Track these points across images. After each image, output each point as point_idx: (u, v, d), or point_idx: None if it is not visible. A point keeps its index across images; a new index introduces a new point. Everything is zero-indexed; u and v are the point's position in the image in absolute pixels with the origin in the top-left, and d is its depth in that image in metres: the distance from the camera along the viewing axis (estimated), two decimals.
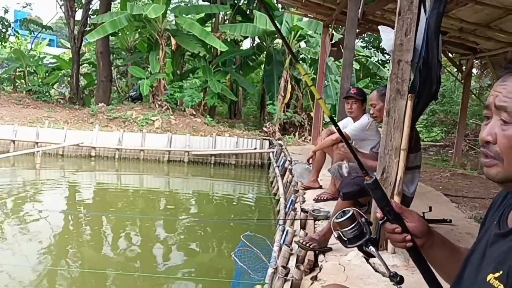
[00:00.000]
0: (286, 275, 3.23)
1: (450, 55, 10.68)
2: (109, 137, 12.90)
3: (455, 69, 11.35)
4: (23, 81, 18.78)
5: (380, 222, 1.17)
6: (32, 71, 18.82)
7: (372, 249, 1.14)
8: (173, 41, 16.48)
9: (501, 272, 0.89)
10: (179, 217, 8.02)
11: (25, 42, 21.82)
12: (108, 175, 11.96)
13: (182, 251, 6.43)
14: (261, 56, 19.06)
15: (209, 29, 17.58)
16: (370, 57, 18.88)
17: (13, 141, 12.34)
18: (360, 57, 18.30)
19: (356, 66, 17.11)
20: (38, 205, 8.34)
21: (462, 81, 10.80)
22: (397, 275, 1.15)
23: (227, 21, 18.38)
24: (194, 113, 15.30)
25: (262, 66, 19.15)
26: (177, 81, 16.78)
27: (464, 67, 10.57)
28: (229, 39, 16.91)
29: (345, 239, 1.17)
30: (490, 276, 0.91)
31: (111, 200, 9.29)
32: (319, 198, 5.14)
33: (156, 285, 5.12)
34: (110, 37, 17.27)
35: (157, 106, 15.08)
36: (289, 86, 15.85)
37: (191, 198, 10.11)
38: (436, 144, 14.89)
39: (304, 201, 5.32)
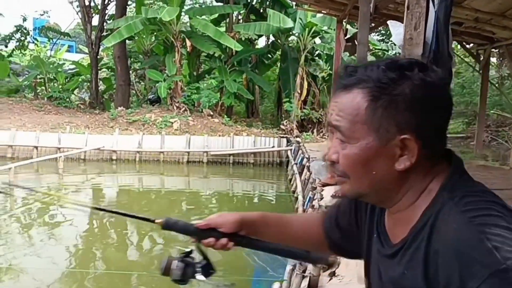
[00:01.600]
0: (304, 271, 3.27)
1: (466, 45, 10.53)
2: (129, 140, 13.09)
3: (473, 60, 11.18)
4: (43, 88, 19.17)
5: (194, 244, 1.17)
6: (52, 77, 19.19)
7: (200, 277, 1.13)
8: (188, 43, 16.62)
9: None
10: (193, 217, 8.10)
11: (44, 49, 22.26)
12: (129, 177, 12.15)
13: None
14: (276, 54, 19.07)
15: (223, 29, 17.66)
16: (387, 51, 18.71)
17: (36, 147, 12.62)
18: (376, 51, 18.15)
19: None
20: (62, 209, 8.54)
21: (480, 71, 10.63)
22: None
23: (241, 20, 18.44)
24: (212, 113, 15.41)
25: (278, 64, 19.15)
26: (194, 82, 16.92)
27: (481, 57, 10.41)
28: (243, 39, 16.98)
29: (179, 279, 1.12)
30: None
31: (134, 201, 9.45)
32: (337, 194, 5.15)
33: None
34: (127, 41, 17.51)
35: (175, 108, 15.23)
36: (305, 83, 15.84)
37: (212, 197, 10.20)
38: (457, 136, 14.68)
39: (322, 198, 5.34)
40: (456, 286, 0.78)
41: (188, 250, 1.17)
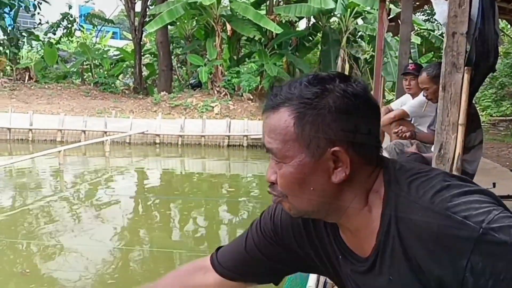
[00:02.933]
0: None
1: None
2: (172, 124, 13.35)
3: None
4: (90, 74, 19.77)
5: None
6: (98, 64, 19.75)
7: None
8: (228, 27, 16.66)
9: None
10: (239, 199, 8.23)
11: (90, 36, 22.89)
12: (172, 160, 12.42)
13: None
14: (317, 36, 18.82)
15: (263, 12, 17.57)
16: (433, 31, 18.08)
17: (84, 131, 13.08)
18: (422, 31, 17.58)
19: (417, 40, 16.47)
20: (109, 190, 8.86)
21: None
22: None
23: (281, 2, 18.28)
24: (252, 97, 15.45)
25: (319, 46, 18.92)
26: (234, 66, 16.99)
27: None
28: (283, 21, 16.85)
29: None
30: None
31: (177, 184, 9.69)
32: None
33: None
34: (169, 27, 17.74)
35: (215, 92, 15.37)
36: (347, 65, 15.59)
37: (252, 181, 10.30)
38: (506, 118, 14.10)
39: None
40: (451, 269, 0.78)
41: None
